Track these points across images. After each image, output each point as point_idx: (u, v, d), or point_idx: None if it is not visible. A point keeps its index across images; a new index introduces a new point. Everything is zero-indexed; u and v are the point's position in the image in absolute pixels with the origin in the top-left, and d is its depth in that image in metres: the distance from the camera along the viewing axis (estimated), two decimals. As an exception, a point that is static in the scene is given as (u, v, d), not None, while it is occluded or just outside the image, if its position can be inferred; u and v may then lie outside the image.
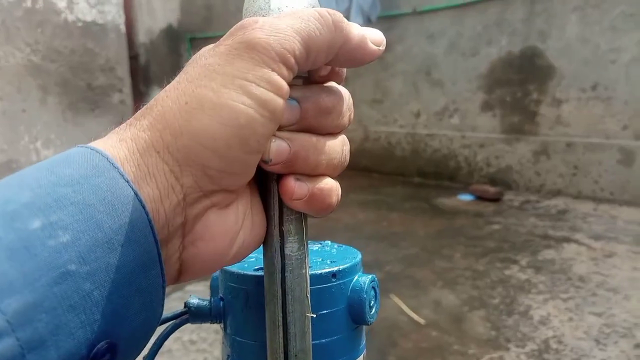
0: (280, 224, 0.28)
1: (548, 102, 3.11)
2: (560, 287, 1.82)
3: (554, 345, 1.45)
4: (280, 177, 0.27)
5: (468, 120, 3.47)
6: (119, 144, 0.24)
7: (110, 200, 0.22)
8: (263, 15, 0.27)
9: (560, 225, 2.52)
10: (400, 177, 3.72)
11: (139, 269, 0.23)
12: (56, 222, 0.20)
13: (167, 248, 0.25)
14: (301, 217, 0.29)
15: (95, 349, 0.21)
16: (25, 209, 0.20)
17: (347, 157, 0.30)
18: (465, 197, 3.10)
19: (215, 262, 0.27)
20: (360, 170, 3.91)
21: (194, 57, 0.26)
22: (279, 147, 0.26)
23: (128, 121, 0.25)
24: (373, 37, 0.29)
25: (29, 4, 2.68)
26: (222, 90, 0.24)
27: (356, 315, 0.34)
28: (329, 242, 0.40)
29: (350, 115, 0.29)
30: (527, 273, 1.95)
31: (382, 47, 0.29)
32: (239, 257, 0.28)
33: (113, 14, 2.94)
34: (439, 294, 1.79)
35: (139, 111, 0.26)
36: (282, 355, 0.29)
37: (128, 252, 0.22)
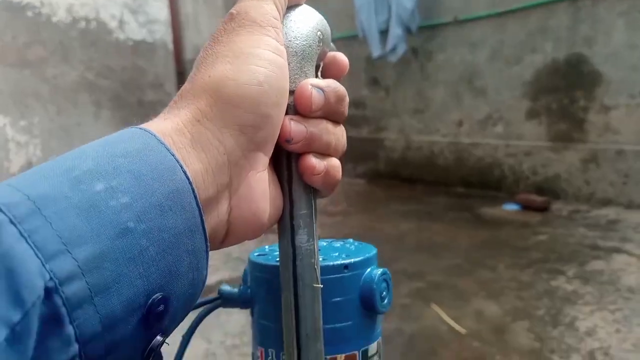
0: (291, 218, 0.33)
1: (596, 108, 3.01)
2: (608, 298, 1.76)
3: (599, 357, 1.41)
4: (298, 158, 0.32)
5: (513, 129, 3.40)
6: (165, 122, 0.28)
7: (160, 171, 0.25)
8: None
9: (611, 235, 2.43)
10: (442, 187, 3.68)
11: (186, 231, 0.25)
12: (116, 187, 0.23)
13: (217, 209, 0.29)
14: (311, 212, 0.33)
15: (151, 299, 0.24)
16: (88, 174, 0.23)
17: (346, 143, 0.35)
18: (511, 207, 3.03)
19: (256, 224, 0.31)
20: (402, 180, 3.90)
21: (199, 55, 0.31)
22: (298, 128, 0.31)
23: (168, 106, 0.30)
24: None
25: (83, 25, 2.85)
26: (236, 61, 0.29)
27: (368, 304, 0.38)
28: (352, 240, 0.44)
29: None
30: (574, 284, 1.90)
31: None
32: (272, 221, 0.32)
33: (162, 32, 3.09)
34: (481, 305, 1.77)
35: (172, 101, 0.30)
36: (294, 335, 0.33)
37: (176, 216, 0.25)
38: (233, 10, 0.31)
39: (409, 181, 3.87)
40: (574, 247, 2.29)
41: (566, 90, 3.12)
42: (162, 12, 3.16)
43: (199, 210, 0.26)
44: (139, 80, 3.08)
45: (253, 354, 0.42)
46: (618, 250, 2.22)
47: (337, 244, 0.43)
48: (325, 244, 0.44)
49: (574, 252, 2.23)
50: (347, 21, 4.20)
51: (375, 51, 3.76)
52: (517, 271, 2.05)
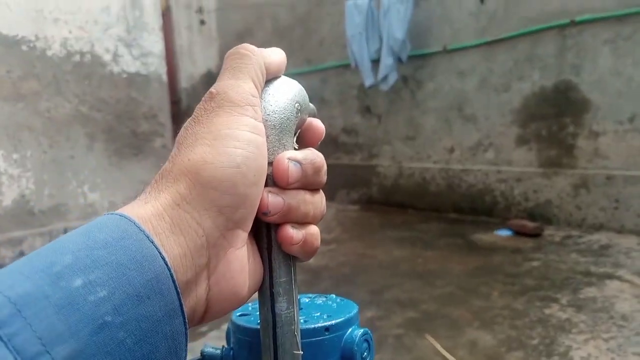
0: (271, 286, 0.33)
1: (585, 134, 3.06)
2: (602, 327, 1.75)
3: None
4: (277, 228, 0.33)
5: (503, 155, 3.44)
6: (145, 206, 0.29)
7: (139, 259, 0.26)
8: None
9: (603, 261, 2.44)
10: (435, 213, 3.69)
11: (165, 317, 0.26)
12: (94, 280, 0.24)
13: (196, 289, 0.29)
14: (290, 280, 0.33)
15: None
16: (68, 269, 0.24)
17: (325, 208, 0.36)
18: (503, 233, 3.04)
19: (235, 299, 0.31)
20: (395, 206, 3.91)
21: (180, 133, 0.32)
22: (275, 201, 0.32)
23: (148, 188, 0.30)
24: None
25: (77, 58, 2.89)
26: (215, 143, 0.30)
27: None
28: (334, 296, 0.44)
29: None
30: (568, 312, 1.89)
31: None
32: (252, 292, 0.33)
33: (156, 64, 3.13)
34: (475, 334, 1.76)
35: (153, 180, 0.31)
36: None
37: (154, 304, 0.25)
38: (213, 90, 0.32)
39: (401, 207, 3.88)
40: (567, 274, 2.29)
41: (555, 116, 3.17)
42: (156, 45, 3.20)
43: (178, 295, 0.27)
44: (133, 112, 3.10)
45: None
46: (611, 276, 2.22)
47: (320, 301, 0.44)
48: (307, 300, 0.44)
49: (567, 278, 2.23)
50: (340, 50, 4.27)
51: (368, 80, 3.82)
52: (511, 299, 2.04)
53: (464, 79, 3.57)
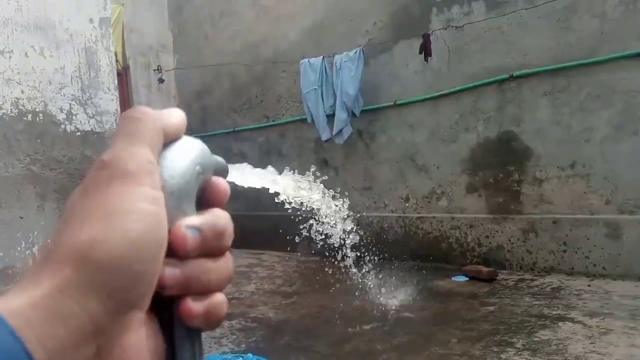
0: None
1: (529, 181, 3.22)
2: (557, 369, 1.79)
3: None
4: (177, 301, 0.30)
5: (455, 202, 3.55)
6: (21, 296, 0.25)
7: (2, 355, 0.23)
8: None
9: (555, 303, 2.51)
10: (394, 261, 3.73)
11: None
12: None
13: None
14: (193, 352, 0.32)
15: None
16: None
17: (232, 271, 0.33)
18: (460, 279, 3.10)
19: None
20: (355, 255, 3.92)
21: (66, 206, 0.29)
22: (172, 273, 0.29)
23: (29, 272, 0.27)
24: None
25: (29, 117, 2.86)
26: (107, 220, 0.27)
27: None
28: (251, 355, 0.44)
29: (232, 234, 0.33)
30: (524, 356, 1.92)
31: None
32: None
33: (111, 122, 3.13)
34: (434, 383, 1.76)
35: (36, 263, 0.27)
36: None
37: None
38: (104, 158, 0.29)
39: (362, 256, 3.90)
40: (522, 317, 2.34)
41: (500, 165, 3.33)
42: (111, 104, 3.22)
43: None
44: (86, 170, 3.05)
45: None
46: (563, 319, 2.28)
47: None
48: None
49: (522, 322, 2.28)
50: (297, 106, 4.39)
51: (324, 134, 3.93)
52: (469, 345, 2.06)
53: (414, 131, 3.72)
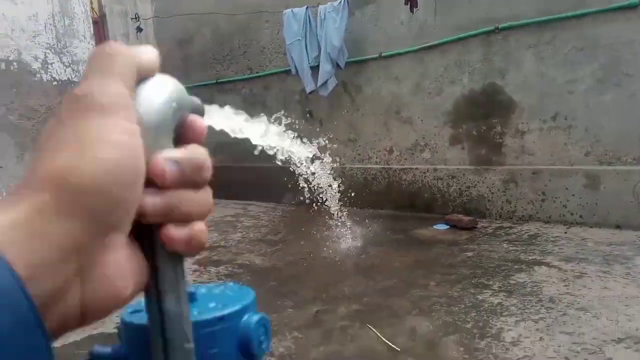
0: (157, 285, 0.33)
1: (512, 133, 3.26)
2: (531, 309, 1.86)
3: None
4: (159, 227, 0.32)
5: (439, 154, 3.59)
6: (4, 216, 0.26)
7: None
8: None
9: (532, 249, 2.59)
10: (377, 211, 3.79)
11: (18, 331, 0.24)
12: None
13: (65, 297, 0.27)
14: (176, 276, 0.33)
15: None
16: None
17: (212, 203, 0.34)
18: (441, 227, 3.18)
19: (116, 301, 0.30)
20: (340, 206, 3.97)
21: (41, 137, 0.30)
22: (153, 201, 0.31)
23: (9, 194, 0.28)
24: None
25: (3, 66, 2.77)
26: (83, 148, 0.28)
27: (246, 352, 0.39)
28: (232, 284, 0.45)
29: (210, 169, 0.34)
30: (500, 296, 2.00)
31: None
32: (137, 292, 0.32)
33: (89, 71, 3.06)
34: (414, 322, 1.83)
35: (18, 185, 0.28)
36: None
37: (3, 318, 0.24)
38: (77, 91, 0.29)
39: (346, 206, 3.95)
40: (499, 262, 2.42)
41: (484, 117, 3.35)
42: (88, 52, 3.13)
43: (33, 308, 0.25)
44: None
45: None
46: (539, 263, 2.36)
47: (217, 290, 0.44)
48: (204, 290, 0.44)
49: (499, 266, 2.36)
50: (281, 58, 4.32)
51: (308, 86, 3.89)
52: (448, 287, 2.14)
53: (399, 83, 3.71)
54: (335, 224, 3.15)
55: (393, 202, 3.80)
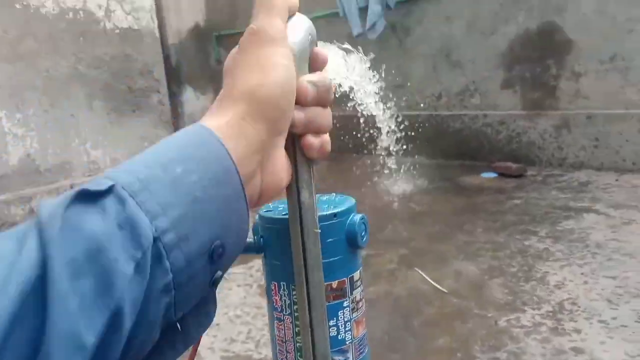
0: (297, 181, 0.44)
1: (567, 76, 3.16)
2: (577, 254, 1.90)
3: (568, 307, 1.54)
4: (300, 137, 0.43)
5: (489, 100, 3.54)
6: (219, 119, 0.37)
7: (215, 156, 0.35)
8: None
9: (581, 196, 2.58)
10: (424, 159, 3.82)
11: (234, 198, 0.35)
12: (189, 169, 0.33)
13: (253, 180, 0.39)
14: (310, 177, 0.44)
15: (213, 245, 0.34)
16: (171, 161, 0.33)
17: (331, 121, 0.45)
18: (488, 175, 3.19)
19: (278, 188, 0.42)
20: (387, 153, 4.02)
21: (227, 62, 0.41)
22: (299, 116, 0.42)
23: (215, 107, 0.39)
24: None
25: (70, 15, 2.89)
26: (263, 70, 0.39)
27: (352, 242, 0.52)
28: (334, 194, 0.58)
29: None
30: (546, 243, 2.04)
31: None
32: (285, 186, 0.43)
33: (147, 19, 3.13)
34: (460, 266, 1.92)
35: (216, 102, 0.40)
36: (303, 267, 0.45)
37: (226, 188, 0.35)
38: (254, 26, 0.40)
39: (393, 155, 4.00)
40: (547, 209, 2.44)
41: (539, 59, 3.25)
42: (146, 0, 3.20)
43: (241, 183, 0.36)
44: (128, 69, 3.13)
45: (267, 288, 0.53)
46: (588, 210, 2.36)
47: (324, 198, 0.57)
48: (317, 197, 0.55)
49: (546, 213, 2.38)
50: (328, 0, 4.25)
51: (356, 29, 3.84)
52: (493, 234, 2.20)
53: (451, 23, 3.61)
54: (381, 171, 3.21)
55: (440, 149, 3.80)
